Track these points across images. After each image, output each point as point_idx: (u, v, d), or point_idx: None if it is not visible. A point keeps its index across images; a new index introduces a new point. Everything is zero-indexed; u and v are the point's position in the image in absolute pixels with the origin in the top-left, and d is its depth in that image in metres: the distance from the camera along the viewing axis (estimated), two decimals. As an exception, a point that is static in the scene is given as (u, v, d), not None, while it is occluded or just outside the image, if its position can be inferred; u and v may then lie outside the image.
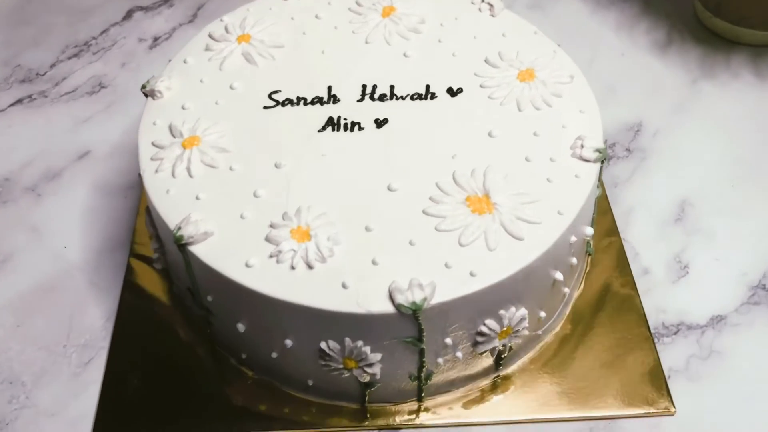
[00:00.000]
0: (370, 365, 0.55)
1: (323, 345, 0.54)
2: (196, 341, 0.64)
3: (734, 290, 0.67)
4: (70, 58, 0.89)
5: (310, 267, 0.53)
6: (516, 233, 0.54)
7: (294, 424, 0.59)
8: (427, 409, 0.60)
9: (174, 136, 0.61)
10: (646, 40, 0.90)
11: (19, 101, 0.84)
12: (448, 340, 0.55)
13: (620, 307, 0.66)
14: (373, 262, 0.53)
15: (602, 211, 0.72)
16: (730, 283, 0.68)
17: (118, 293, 0.67)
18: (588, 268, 0.68)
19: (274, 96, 0.64)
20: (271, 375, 0.61)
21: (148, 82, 0.65)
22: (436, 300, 0.51)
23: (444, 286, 0.52)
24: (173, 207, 0.57)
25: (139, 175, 0.63)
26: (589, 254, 0.67)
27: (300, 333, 0.54)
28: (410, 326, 0.53)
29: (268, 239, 0.54)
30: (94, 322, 0.66)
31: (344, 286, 0.52)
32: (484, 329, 0.55)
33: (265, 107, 0.63)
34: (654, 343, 0.63)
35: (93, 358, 0.64)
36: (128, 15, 0.94)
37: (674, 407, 0.60)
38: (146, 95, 0.65)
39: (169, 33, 0.91)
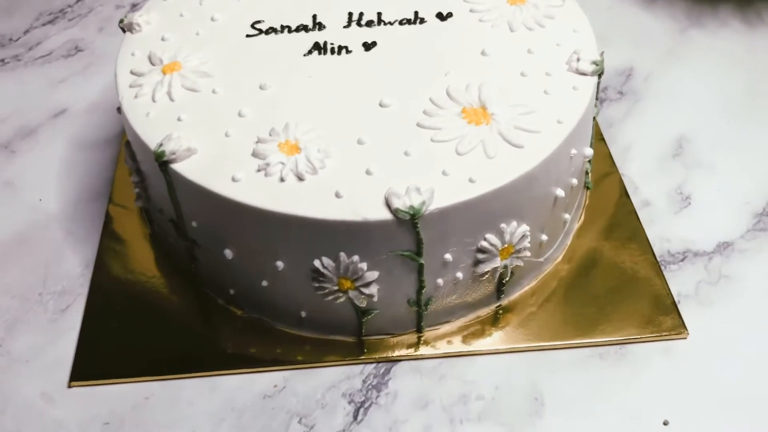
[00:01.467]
0: (367, 285, 0.52)
1: (317, 263, 0.51)
2: (180, 285, 0.61)
3: (738, 218, 0.65)
4: (44, 24, 0.86)
5: (300, 179, 0.50)
6: (515, 141, 0.52)
7: (287, 364, 0.56)
8: (426, 342, 0.57)
9: (153, 64, 0.58)
10: (632, -7, 0.89)
11: (-8, 65, 0.81)
12: (448, 256, 0.52)
13: (623, 236, 0.63)
14: (367, 172, 0.51)
15: (598, 153, 0.70)
16: (733, 212, 0.65)
17: (96, 241, 0.64)
18: (587, 201, 0.66)
19: (257, 26, 0.62)
20: (262, 311, 0.57)
21: (125, 16, 0.62)
22: (434, 206, 0.49)
23: (443, 192, 0.49)
24: (154, 129, 0.54)
25: (118, 108, 0.61)
26: (588, 188, 0.65)
27: (292, 251, 0.51)
28: (408, 237, 0.50)
29: (254, 154, 0.52)
30: (72, 270, 0.62)
31: (338, 195, 0.49)
32: (485, 245, 0.52)
33: (247, 35, 0.61)
34: (661, 269, 0.61)
35: (71, 305, 0.60)
36: (104, -17, 0.92)
37: (686, 330, 0.57)
38: (123, 30, 0.62)
39: (147, -1, 0.90)
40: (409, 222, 0.49)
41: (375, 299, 0.53)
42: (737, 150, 0.71)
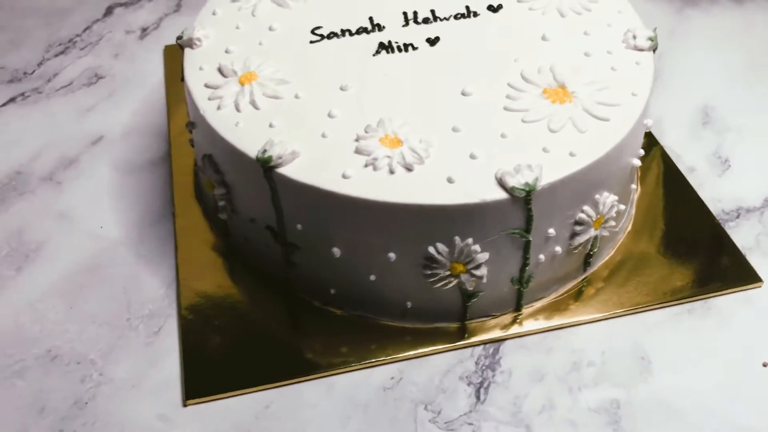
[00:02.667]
0: (478, 267, 0.53)
1: (431, 249, 0.52)
2: (267, 293, 0.60)
3: (778, 172, 0.70)
4: (56, 55, 0.84)
5: (409, 169, 0.51)
6: (601, 115, 0.55)
7: (399, 356, 0.57)
8: (522, 319, 0.59)
9: (226, 76, 0.58)
10: (623, -18, 0.94)
11: (12, 100, 0.78)
12: (552, 231, 0.54)
13: (679, 201, 0.67)
14: (472, 156, 0.52)
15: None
16: (769, 167, 0.71)
17: (171, 261, 0.63)
18: (639, 173, 0.69)
19: (317, 31, 0.63)
20: (365, 307, 0.58)
21: (182, 33, 0.62)
22: (545, 181, 0.51)
23: (549, 168, 0.51)
24: (248, 137, 0.54)
25: (189, 123, 0.60)
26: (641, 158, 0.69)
27: (406, 241, 0.52)
28: (519, 214, 0.52)
29: (358, 151, 0.53)
30: (154, 292, 0.61)
31: (450, 180, 0.51)
32: (582, 216, 0.55)
33: (311, 42, 0.62)
34: (722, 226, 0.65)
35: (162, 327, 0.59)
36: (108, 11, 0.90)
37: (762, 279, 0.61)
38: (182, 47, 0.62)
39: (156, 23, 0.88)
40: (522, 199, 0.50)
41: (484, 281, 0.54)
42: (758, 112, 0.76)
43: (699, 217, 0.65)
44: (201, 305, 0.60)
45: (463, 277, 0.54)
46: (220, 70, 0.59)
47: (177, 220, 0.66)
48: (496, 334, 0.58)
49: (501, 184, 0.50)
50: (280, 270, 0.59)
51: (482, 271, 0.54)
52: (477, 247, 0.52)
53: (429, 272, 0.53)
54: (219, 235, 0.64)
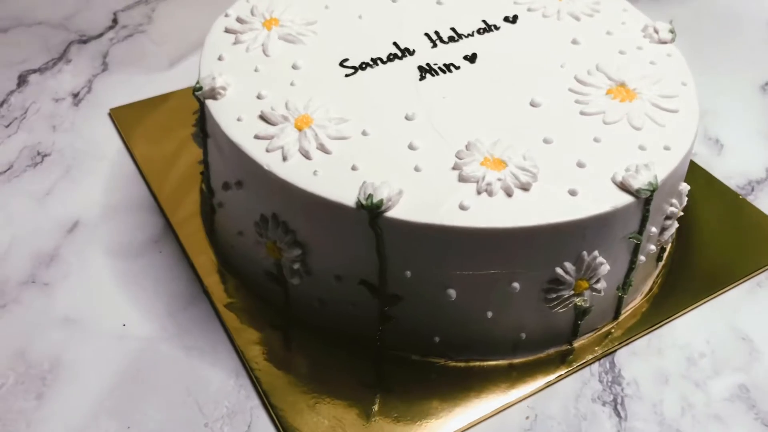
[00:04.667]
0: (599, 281, 0.51)
1: (559, 270, 0.49)
2: (348, 357, 0.54)
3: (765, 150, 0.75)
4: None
5: (525, 189, 0.48)
6: (670, 107, 0.55)
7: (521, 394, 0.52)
8: (620, 326, 0.57)
9: (275, 123, 0.51)
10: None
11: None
12: (654, 229, 0.53)
13: (699, 184, 0.68)
14: (579, 164, 0.50)
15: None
16: (759, 143, 0.75)
17: (227, 347, 0.54)
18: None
19: (346, 63, 0.57)
20: (472, 350, 0.53)
21: (199, 83, 0.54)
22: (660, 177, 0.49)
23: (655, 165, 0.50)
24: (334, 184, 0.48)
25: (226, 186, 0.52)
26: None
27: (531, 266, 0.48)
28: (636, 217, 0.50)
29: (463, 179, 0.48)
30: (224, 385, 0.52)
31: (572, 193, 0.48)
32: (672, 210, 0.54)
33: (346, 75, 0.56)
34: (746, 200, 0.67)
35: (251, 423, 0.50)
36: (22, 80, 0.77)
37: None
38: (201, 100, 0.54)
39: (86, 86, 0.77)
40: (643, 200, 0.49)
41: (602, 294, 0.52)
42: (719, 95, 0.80)
43: (722, 195, 0.68)
44: (280, 386, 0.52)
45: (586, 294, 0.51)
46: (264, 118, 0.52)
47: (213, 298, 0.57)
48: (606, 348, 0.55)
49: (624, 187, 0.48)
50: (371, 328, 0.52)
51: (602, 285, 0.51)
52: (602, 259, 0.50)
53: (553, 296, 0.50)
54: (272, 305, 0.56)
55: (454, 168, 0.49)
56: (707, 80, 0.82)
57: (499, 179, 0.48)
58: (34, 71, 0.79)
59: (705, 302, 0.59)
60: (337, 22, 0.61)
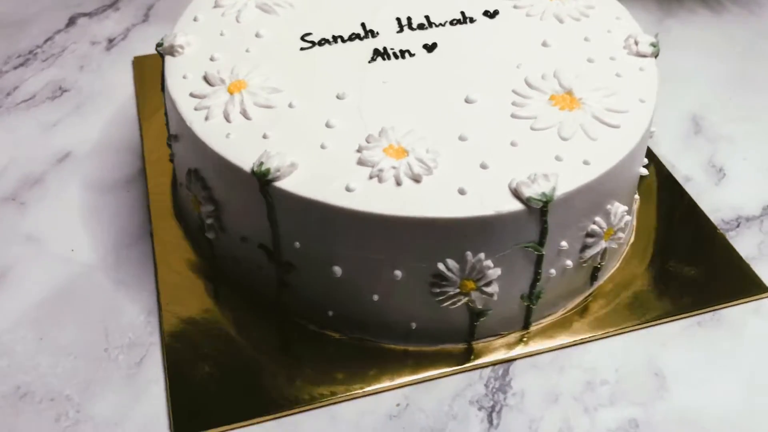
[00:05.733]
0: (489, 284, 0.50)
1: (441, 266, 0.49)
2: (257, 318, 0.56)
3: (772, 180, 0.69)
4: (16, 68, 0.79)
5: (417, 181, 0.48)
6: (612, 122, 0.53)
7: (403, 381, 0.53)
8: (531, 337, 0.56)
9: (213, 85, 0.55)
10: (601, -7, 0.94)
11: (-31, 115, 0.73)
12: (564, 244, 0.51)
13: (679, 211, 0.65)
14: (482, 166, 0.49)
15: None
16: (765, 175, 0.70)
17: (151, 285, 0.58)
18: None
19: (307, 38, 0.59)
20: (365, 329, 0.54)
21: (162, 39, 0.58)
22: (561, 190, 0.48)
23: (563, 177, 0.49)
24: (241, 149, 0.50)
25: (172, 136, 0.56)
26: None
27: (414, 257, 0.49)
28: (533, 227, 0.49)
29: (361, 162, 0.49)
30: (134, 319, 0.56)
31: (461, 191, 0.48)
32: (594, 228, 0.52)
33: (301, 49, 0.58)
34: (725, 236, 0.63)
35: (145, 357, 0.54)
36: (71, 22, 0.85)
37: (768, 289, 0.60)
38: (162, 54, 0.58)
39: (123, 34, 0.84)
40: (537, 211, 0.48)
41: (494, 298, 0.51)
42: (746, 120, 0.75)
43: (700, 227, 0.64)
44: (186, 332, 0.55)
45: (474, 294, 0.51)
46: (206, 79, 0.55)
47: (155, 240, 0.61)
48: (505, 354, 0.55)
49: (516, 194, 0.48)
50: (273, 292, 0.55)
51: (493, 288, 0.51)
52: (489, 263, 0.49)
53: (437, 290, 0.50)
54: (203, 256, 0.60)
55: (357, 150, 0.50)
56: (737, 103, 0.77)
57: (394, 167, 0.49)
58: (84, 15, 0.87)
59: (633, 330, 0.57)
60: (317, -3, 0.64)
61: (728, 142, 0.73)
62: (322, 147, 0.51)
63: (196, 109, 0.53)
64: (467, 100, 0.54)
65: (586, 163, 0.50)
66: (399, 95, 0.55)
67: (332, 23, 0.61)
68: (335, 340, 0.55)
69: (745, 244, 0.63)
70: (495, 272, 0.50)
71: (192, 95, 0.54)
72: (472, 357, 0.55)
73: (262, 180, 0.48)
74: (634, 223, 0.64)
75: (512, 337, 0.56)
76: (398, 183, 0.48)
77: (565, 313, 0.57)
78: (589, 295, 0.59)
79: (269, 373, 0.53)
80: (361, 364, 0.54)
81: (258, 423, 0.50)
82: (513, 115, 0.53)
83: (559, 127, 0.52)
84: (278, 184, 0.48)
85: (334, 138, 0.51)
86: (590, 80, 0.56)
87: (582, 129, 0.52)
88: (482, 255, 0.49)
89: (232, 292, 0.58)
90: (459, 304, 0.51)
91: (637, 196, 0.61)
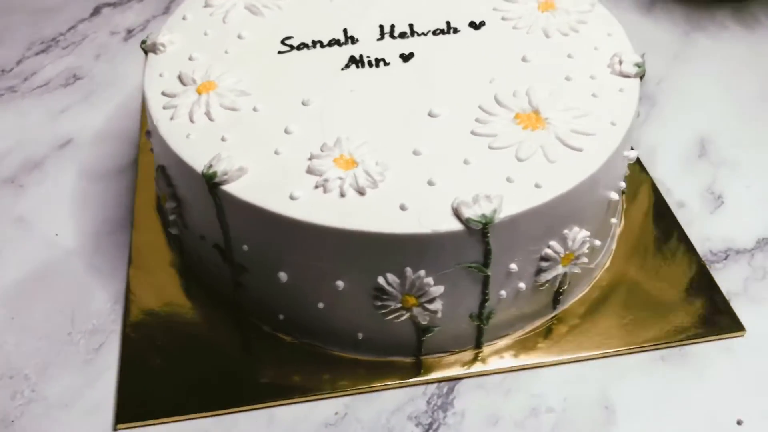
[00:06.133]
0: (431, 301, 0.50)
1: (381, 280, 0.49)
2: (218, 315, 0.57)
3: (772, 212, 0.66)
4: (37, 54, 0.82)
5: (361, 193, 0.48)
6: (574, 144, 0.51)
7: (346, 390, 0.53)
8: (484, 357, 0.55)
9: (185, 84, 0.56)
10: (628, 3, 0.90)
11: (-13, 98, 0.77)
12: (513, 266, 0.50)
13: (664, 239, 0.63)
14: (430, 183, 0.49)
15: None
16: (766, 207, 0.66)
17: (123, 274, 0.60)
18: (625, 206, 0.65)
19: (287, 42, 0.60)
20: (314, 335, 0.55)
21: (147, 37, 0.60)
22: (504, 213, 0.47)
23: (511, 199, 0.48)
24: (197, 150, 0.51)
25: (147, 132, 0.58)
26: (623, 191, 0.65)
27: (354, 269, 0.49)
28: (476, 247, 0.48)
29: (310, 170, 0.49)
30: (101, 306, 0.58)
31: (403, 207, 0.47)
32: (549, 252, 0.51)
33: (279, 52, 0.59)
34: (708, 269, 0.60)
35: (104, 343, 0.56)
36: (96, 11, 0.88)
37: (744, 328, 0.57)
38: (146, 51, 0.60)
39: (143, 25, 0.86)
40: (479, 232, 0.47)
41: (439, 315, 0.51)
42: (758, 147, 0.72)
43: (684, 256, 0.61)
44: (147, 323, 0.57)
45: (416, 310, 0.50)
46: (180, 78, 0.56)
47: (134, 231, 0.63)
48: (453, 371, 0.54)
49: (456, 214, 0.47)
50: (230, 291, 0.56)
51: (436, 306, 0.50)
52: (430, 280, 0.49)
53: (379, 303, 0.50)
54: (175, 251, 0.61)
55: (309, 158, 0.50)
56: (753, 127, 0.74)
57: (340, 178, 0.49)
58: (109, 5, 0.90)
59: (591, 359, 0.55)
60: (306, 1, 0.64)
61: (732, 168, 0.69)
62: (276, 153, 0.51)
63: (164, 107, 0.55)
64: (431, 114, 0.53)
65: (537, 186, 0.49)
66: (363, 105, 0.55)
67: (315, 28, 0.61)
68: (288, 344, 0.56)
69: (729, 279, 0.60)
70: (437, 290, 0.49)
71: (164, 94, 0.55)
72: (422, 372, 0.54)
73: (209, 182, 0.49)
74: (613, 246, 0.62)
75: (466, 354, 0.55)
76: (342, 194, 0.48)
77: (525, 334, 0.56)
78: (554, 317, 0.57)
79: (220, 371, 0.54)
80: (311, 369, 0.54)
81: (196, 418, 0.52)
82: (473, 132, 0.52)
83: (518, 147, 0.51)
84: (226, 187, 0.49)
85: (289, 144, 0.51)
86: (562, 99, 0.54)
87: (542, 150, 0.51)
88: (422, 272, 0.48)
89: (198, 288, 0.60)
90: (402, 318, 0.51)
91: (615, 220, 0.59)
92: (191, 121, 0.53)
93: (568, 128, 0.52)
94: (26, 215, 0.66)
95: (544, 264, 0.52)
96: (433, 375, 0.54)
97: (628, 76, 0.57)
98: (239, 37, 0.60)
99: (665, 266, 0.61)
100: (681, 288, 0.59)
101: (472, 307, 0.52)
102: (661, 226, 0.64)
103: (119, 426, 0.51)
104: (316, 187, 0.49)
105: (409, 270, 0.48)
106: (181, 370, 0.54)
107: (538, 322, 0.57)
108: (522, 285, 0.52)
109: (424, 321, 0.51)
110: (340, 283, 0.50)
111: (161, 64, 0.58)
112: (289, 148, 0.51)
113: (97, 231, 0.64)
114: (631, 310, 0.58)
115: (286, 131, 0.52)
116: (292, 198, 0.48)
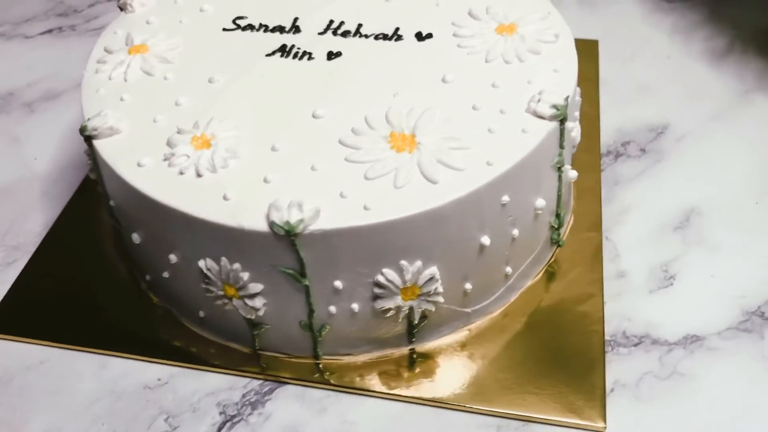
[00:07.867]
0: (252, 297, 0.50)
1: (202, 263, 0.49)
2: (120, 265, 0.62)
3: (724, 311, 0.56)
4: (110, 0, 0.92)
5: (199, 175, 0.49)
6: (430, 175, 0.48)
7: (177, 360, 0.55)
8: (322, 369, 0.54)
9: (126, 44, 0.60)
10: (701, 47, 0.80)
11: (49, 31, 0.87)
12: (338, 284, 0.48)
13: (577, 306, 0.56)
14: (265, 180, 0.48)
15: (586, 211, 0.63)
16: (721, 303, 0.56)
17: (64, 206, 0.67)
18: (554, 259, 0.59)
19: (237, 21, 0.61)
20: (171, 302, 0.57)
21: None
22: (317, 226, 0.46)
23: (331, 214, 0.46)
24: (95, 105, 0.55)
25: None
26: (558, 245, 0.59)
27: (182, 247, 0.50)
28: (289, 254, 0.47)
29: (168, 143, 0.51)
30: (32, 228, 0.65)
31: (225, 198, 0.48)
32: (381, 279, 0.48)
33: (224, 29, 0.61)
34: (604, 351, 0.53)
35: (18, 260, 0.63)
36: None
37: (605, 423, 0.50)
38: (121, 8, 0.64)
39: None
40: (286, 238, 0.46)
41: (261, 313, 0.50)
42: (752, 234, 0.61)
43: (585, 331, 0.54)
44: (57, 254, 0.62)
45: (236, 302, 0.50)
46: (126, 38, 0.60)
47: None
48: (280, 373, 0.53)
49: (267, 216, 0.46)
50: (121, 245, 0.60)
51: (256, 303, 0.50)
52: (245, 275, 0.48)
53: (205, 286, 0.51)
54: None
55: (177, 132, 0.52)
56: (759, 212, 0.63)
57: (187, 156, 0.50)
58: None
59: (419, 404, 0.51)
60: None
61: (708, 251, 0.60)
62: (154, 121, 0.53)
63: (98, 62, 0.59)
64: (314, 115, 0.52)
65: (366, 208, 0.46)
66: (260, 93, 0.55)
67: (272, 12, 0.62)
68: (153, 304, 0.58)
69: (627, 368, 0.53)
70: (255, 287, 0.49)
71: (105, 49, 0.60)
72: (254, 366, 0.54)
73: (81, 134, 0.52)
74: (512, 297, 0.57)
75: (305, 361, 0.54)
76: (181, 172, 0.49)
77: (372, 359, 0.54)
78: (413, 351, 0.54)
79: (88, 311, 0.58)
80: (159, 332, 0.56)
81: (44, 345, 0.56)
82: (340, 141, 0.50)
83: (372, 165, 0.48)
84: (96, 142, 0.52)
85: (171, 115, 0.53)
86: (451, 128, 0.50)
87: (394, 173, 0.48)
88: (238, 265, 0.48)
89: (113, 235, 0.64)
90: (228, 307, 0.51)
91: (509, 269, 0.54)
92: (109, 78, 0.57)
93: (436, 158, 0.49)
94: (22, 136, 0.74)
95: (378, 290, 0.49)
96: (263, 371, 0.54)
97: (542, 117, 0.51)
98: (201, 10, 0.63)
99: (562, 336, 0.55)
100: (564, 362, 0.53)
101: (300, 316, 0.51)
102: (581, 292, 0.57)
103: (-18, 331, 0.57)
104: (165, 159, 0.50)
105: (224, 260, 0.48)
106: (61, 301, 0.59)
107: (391, 351, 0.54)
108: (355, 306, 0.50)
109: (248, 315, 0.51)
110: (172, 257, 0.51)
111: (123, 22, 0.63)
112: (168, 118, 0.53)
113: (67, 164, 0.71)
114: (498, 368, 0.53)
115: (177, 103, 0.54)
116: (139, 165, 0.50)
